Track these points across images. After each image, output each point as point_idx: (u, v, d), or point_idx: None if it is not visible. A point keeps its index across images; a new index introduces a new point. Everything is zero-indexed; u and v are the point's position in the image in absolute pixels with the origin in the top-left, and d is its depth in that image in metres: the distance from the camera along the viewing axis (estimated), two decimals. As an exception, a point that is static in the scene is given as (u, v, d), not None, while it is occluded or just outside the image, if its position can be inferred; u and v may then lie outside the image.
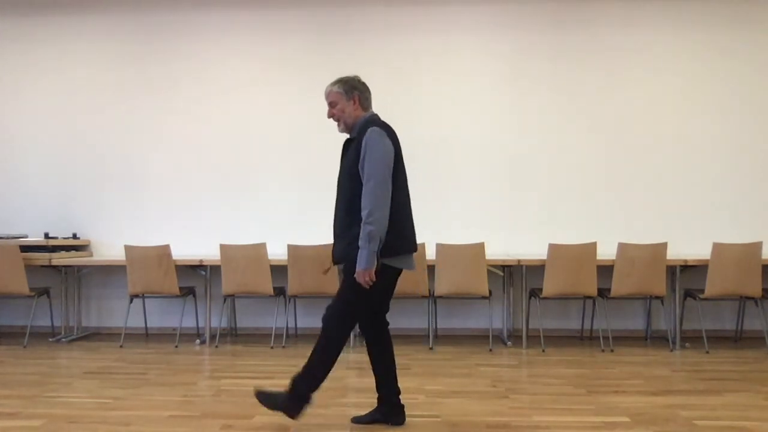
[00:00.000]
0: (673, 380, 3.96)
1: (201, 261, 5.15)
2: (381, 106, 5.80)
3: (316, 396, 3.02)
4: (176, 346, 5.11)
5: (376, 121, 2.99)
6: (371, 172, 2.82)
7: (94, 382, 3.93)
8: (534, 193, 5.69)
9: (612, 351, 4.89)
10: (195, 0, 5.89)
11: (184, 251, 5.76)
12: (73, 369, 4.32)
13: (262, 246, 5.02)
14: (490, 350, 4.93)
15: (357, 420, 3.13)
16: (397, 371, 3.14)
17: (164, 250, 5.06)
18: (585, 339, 5.43)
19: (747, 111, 5.61)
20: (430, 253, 5.03)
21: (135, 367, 4.38)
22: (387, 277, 2.95)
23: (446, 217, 5.71)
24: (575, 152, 5.69)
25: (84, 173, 5.93)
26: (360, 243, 2.81)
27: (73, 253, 5.57)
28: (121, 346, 5.11)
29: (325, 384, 3.83)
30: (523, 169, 5.71)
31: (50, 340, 5.41)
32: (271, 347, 5.05)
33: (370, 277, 2.83)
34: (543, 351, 4.89)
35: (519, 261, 5.01)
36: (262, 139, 5.83)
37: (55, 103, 5.96)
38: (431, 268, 4.98)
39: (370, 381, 3.93)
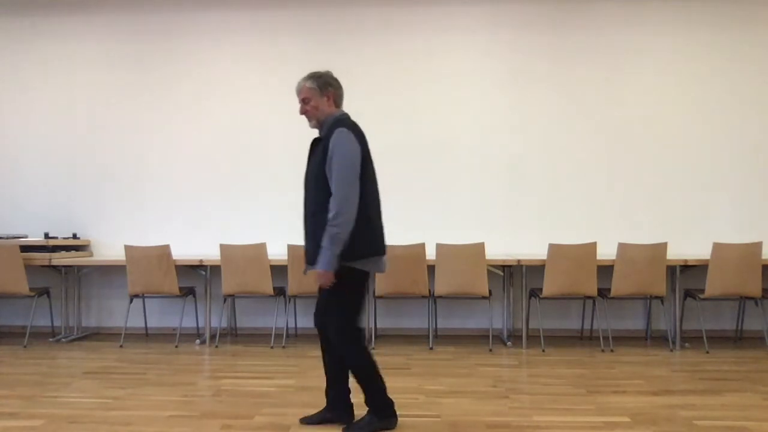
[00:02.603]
0: (673, 380, 3.96)
1: (201, 261, 5.15)
2: (381, 106, 5.83)
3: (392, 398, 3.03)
4: (176, 346, 5.11)
5: (345, 121, 2.94)
6: (338, 174, 2.78)
7: (94, 382, 3.93)
8: (534, 193, 5.69)
9: (612, 351, 4.89)
10: (195, 0, 5.89)
11: (184, 251, 5.76)
12: (73, 369, 4.32)
13: (262, 246, 5.02)
14: (490, 350, 4.93)
15: (306, 420, 3.08)
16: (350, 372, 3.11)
17: (164, 250, 5.06)
18: (585, 339, 5.43)
19: (747, 111, 5.61)
20: (430, 253, 5.03)
21: (135, 367, 4.38)
22: (359, 280, 2.91)
23: (446, 217, 5.71)
24: (575, 152, 5.69)
25: (84, 173, 5.93)
26: (323, 244, 2.77)
27: (73, 253, 5.57)
28: (121, 346, 5.11)
29: (325, 384, 3.84)
30: (523, 169, 5.71)
31: (50, 340, 5.41)
32: (271, 347, 5.05)
33: (329, 279, 2.80)
34: (543, 351, 4.89)
35: (519, 261, 5.01)
36: (263, 139, 5.83)
37: (55, 103, 5.96)
38: (431, 268, 4.98)
39: (370, 381, 3.93)
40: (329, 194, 2.81)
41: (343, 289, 2.87)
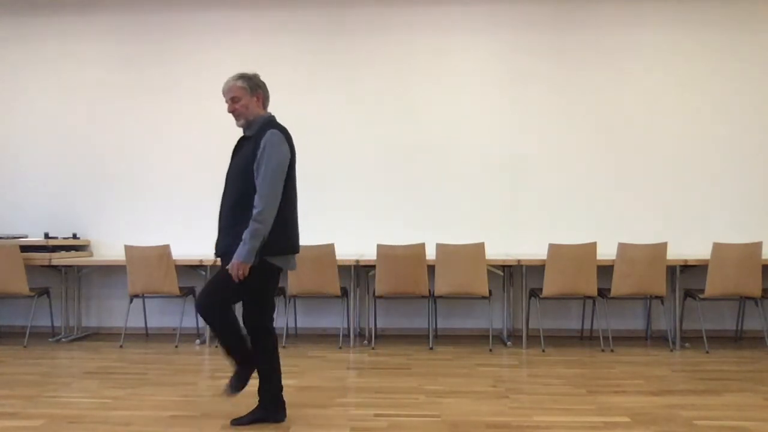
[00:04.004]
0: (673, 380, 3.96)
1: (201, 261, 5.15)
2: (381, 106, 5.83)
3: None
4: (176, 346, 5.11)
5: (275, 123, 3.05)
6: (267, 175, 2.87)
7: (94, 382, 3.93)
8: (534, 193, 5.69)
9: (612, 351, 4.89)
10: (195, 0, 5.89)
11: (184, 251, 5.76)
12: (73, 369, 4.32)
13: (262, 246, 5.01)
14: (490, 350, 4.93)
15: (237, 422, 3.09)
16: (282, 368, 3.18)
17: (164, 250, 5.06)
18: (585, 339, 5.43)
19: (747, 111, 5.61)
20: (430, 253, 5.03)
21: (135, 367, 4.38)
22: (270, 274, 3.02)
23: (446, 217, 5.71)
24: (575, 152, 5.69)
25: (84, 173, 5.93)
26: (244, 237, 2.85)
27: (73, 253, 5.57)
28: (121, 346, 5.11)
29: (325, 384, 3.86)
30: (523, 169, 5.71)
31: (50, 340, 5.41)
32: (271, 347, 5.05)
33: (244, 271, 2.88)
34: (543, 351, 4.89)
35: (519, 261, 5.01)
36: (262, 139, 5.82)
37: (55, 103, 5.96)
38: (431, 268, 4.98)
39: (371, 381, 3.94)
40: (253, 191, 2.90)
41: (257, 282, 2.96)
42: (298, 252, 3.10)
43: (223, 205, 3.04)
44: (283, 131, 3.02)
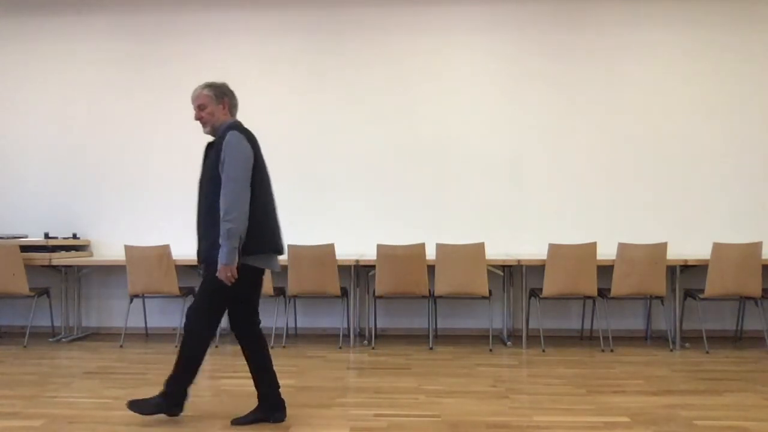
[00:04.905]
0: (673, 380, 3.96)
1: (201, 261, 5.14)
2: (381, 106, 5.83)
3: (192, 389, 3.14)
4: (176, 346, 5.11)
5: (237, 125, 3.11)
6: (229, 174, 2.93)
7: (94, 382, 3.93)
8: (534, 193, 5.69)
9: (612, 351, 4.89)
10: (195, 0, 5.89)
11: (184, 251, 5.76)
12: (73, 369, 4.32)
13: (262, 246, 5.01)
14: (490, 350, 4.93)
15: (237, 422, 3.12)
16: (274, 366, 3.20)
17: (164, 250, 5.05)
18: (585, 339, 5.43)
19: (747, 111, 5.61)
20: (430, 253, 5.03)
21: (135, 367, 4.38)
22: (248, 276, 3.03)
23: (446, 217, 5.71)
24: (575, 152, 5.69)
25: (84, 173, 5.93)
26: (221, 240, 2.91)
27: (73, 253, 5.57)
28: (121, 346, 5.11)
29: (325, 384, 3.86)
30: (523, 169, 5.71)
31: (50, 340, 5.41)
32: (271, 347, 5.05)
33: (232, 273, 2.92)
34: (543, 351, 4.89)
35: (519, 261, 5.01)
36: (262, 140, 5.75)
37: (55, 103, 5.96)
38: (431, 268, 4.98)
39: (371, 381, 3.94)
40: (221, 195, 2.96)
41: (215, 284, 2.98)
42: (280, 252, 3.12)
43: (198, 212, 3.10)
44: (244, 132, 3.08)
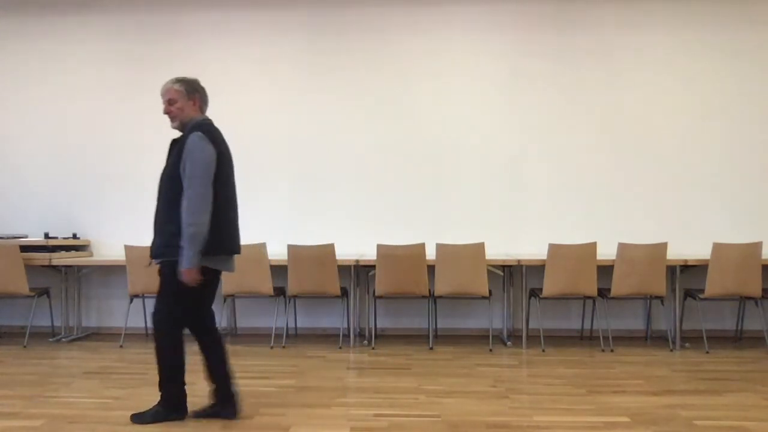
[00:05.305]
0: (673, 380, 3.96)
1: (201, 261, 5.14)
2: (381, 106, 5.83)
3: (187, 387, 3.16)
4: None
5: (203, 125, 3.06)
6: (192, 176, 2.92)
7: (94, 382, 3.93)
8: (534, 193, 5.69)
9: (612, 351, 4.89)
10: (195, 0, 5.89)
11: (184, 251, 5.76)
12: (73, 369, 4.32)
13: (262, 246, 5.02)
14: (490, 350, 4.93)
15: (198, 414, 3.18)
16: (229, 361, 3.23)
17: (164, 250, 5.05)
18: (585, 339, 5.43)
19: (747, 111, 5.61)
20: (430, 253, 5.03)
21: (135, 367, 4.38)
22: (206, 277, 3.03)
23: (446, 217, 5.71)
24: (575, 152, 5.69)
25: (84, 173, 5.93)
26: (184, 244, 2.91)
27: (73, 253, 5.57)
28: (121, 346, 5.11)
29: (325, 384, 3.86)
30: (523, 169, 5.71)
31: (50, 340, 5.41)
32: (271, 347, 5.05)
33: (195, 275, 2.93)
34: (543, 351, 4.89)
35: (519, 261, 5.01)
36: (262, 139, 5.83)
37: (55, 103, 5.96)
38: (431, 268, 4.98)
39: (371, 381, 3.94)
40: (181, 192, 2.95)
41: (176, 284, 2.99)
42: (237, 253, 3.12)
43: (156, 208, 3.09)
44: (209, 132, 3.04)
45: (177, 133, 3.19)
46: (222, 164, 3.04)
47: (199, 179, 2.92)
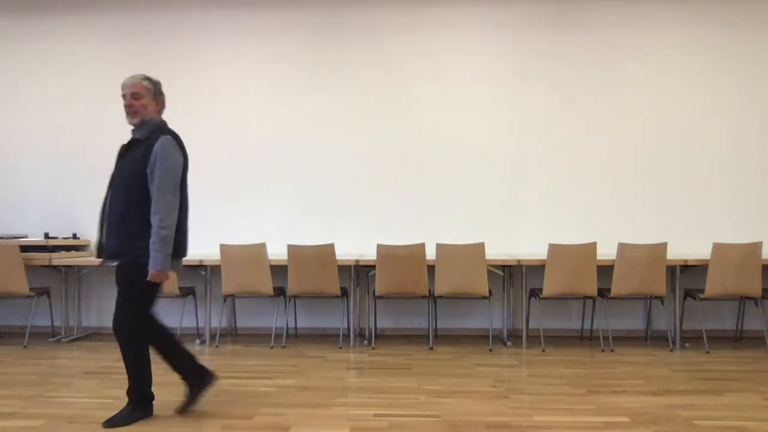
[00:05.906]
0: (673, 380, 3.96)
1: (201, 261, 5.15)
2: (381, 106, 5.83)
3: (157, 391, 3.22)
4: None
5: (169, 129, 3.14)
6: (164, 180, 2.97)
7: (94, 382, 3.93)
8: (534, 193, 5.69)
9: (612, 351, 4.89)
10: (195, 0, 5.89)
11: (184, 251, 5.76)
12: (73, 369, 4.32)
13: (262, 246, 5.02)
14: (490, 350, 4.93)
15: (182, 410, 3.24)
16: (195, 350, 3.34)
17: (164, 250, 5.05)
18: (585, 339, 5.43)
19: (747, 111, 5.61)
20: (430, 253, 5.03)
21: (135, 367, 4.37)
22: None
23: (446, 217, 5.71)
24: (575, 152, 5.69)
25: (84, 173, 5.93)
26: (155, 247, 2.95)
27: (73, 253, 5.57)
28: (121, 346, 5.11)
29: (325, 384, 3.86)
30: (523, 169, 5.71)
31: (50, 340, 5.41)
32: (271, 347, 5.05)
33: (164, 276, 2.99)
34: (543, 351, 4.89)
35: (519, 261, 5.01)
36: (262, 139, 5.83)
37: (55, 103, 5.96)
38: (431, 268, 4.99)
39: (371, 381, 3.94)
40: (145, 194, 2.99)
41: (141, 284, 3.02)
42: (183, 256, 3.17)
43: (110, 206, 3.07)
44: (176, 137, 3.11)
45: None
46: (184, 170, 3.13)
47: (170, 184, 2.98)
